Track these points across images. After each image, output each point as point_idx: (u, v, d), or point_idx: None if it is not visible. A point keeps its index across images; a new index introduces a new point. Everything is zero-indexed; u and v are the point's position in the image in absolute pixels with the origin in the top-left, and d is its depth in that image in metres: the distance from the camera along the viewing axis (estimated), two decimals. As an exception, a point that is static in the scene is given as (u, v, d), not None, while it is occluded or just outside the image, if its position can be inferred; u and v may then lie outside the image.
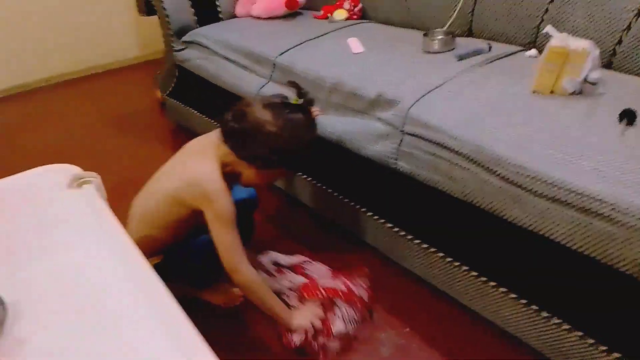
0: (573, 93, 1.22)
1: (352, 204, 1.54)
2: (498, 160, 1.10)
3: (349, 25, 1.97)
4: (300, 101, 1.23)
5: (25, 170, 1.04)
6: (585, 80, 1.21)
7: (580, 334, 1.08)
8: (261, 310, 1.24)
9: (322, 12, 2.11)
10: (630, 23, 1.35)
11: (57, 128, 2.63)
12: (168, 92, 2.41)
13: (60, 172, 1.00)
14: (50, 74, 3.26)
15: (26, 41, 3.10)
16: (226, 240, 1.18)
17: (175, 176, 1.25)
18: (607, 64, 1.43)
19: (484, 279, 1.23)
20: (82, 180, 0.97)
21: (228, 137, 1.20)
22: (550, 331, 1.13)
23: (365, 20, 2.08)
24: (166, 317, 0.65)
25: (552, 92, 1.24)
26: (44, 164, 1.05)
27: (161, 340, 0.62)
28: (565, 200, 0.99)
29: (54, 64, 3.25)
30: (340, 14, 2.03)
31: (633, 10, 1.34)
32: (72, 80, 3.30)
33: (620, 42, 1.38)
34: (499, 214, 1.13)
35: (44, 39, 3.15)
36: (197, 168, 1.21)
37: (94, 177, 0.98)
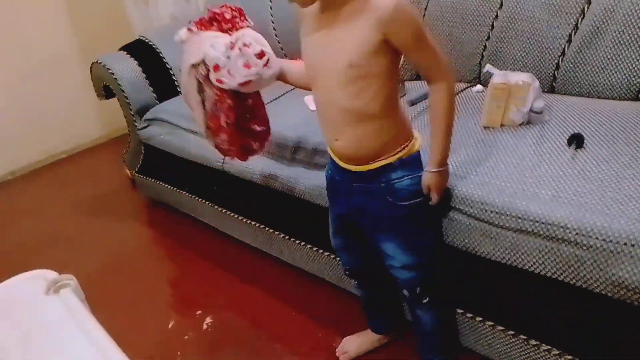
0: (521, 124, 1.29)
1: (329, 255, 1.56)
2: (463, 198, 1.14)
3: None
4: None
5: (2, 274, 1.04)
6: (530, 110, 1.27)
7: (570, 357, 1.10)
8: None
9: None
10: (564, 49, 1.44)
11: (31, 221, 2.59)
12: (136, 169, 2.42)
13: (37, 279, 0.99)
14: (15, 166, 3.24)
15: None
16: None
17: None
18: (550, 89, 1.51)
19: (470, 315, 1.25)
20: (58, 284, 0.97)
21: None
22: (543, 358, 1.15)
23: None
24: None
25: (502, 125, 1.30)
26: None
27: None
28: (532, 230, 1.03)
29: (19, 156, 3.23)
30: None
31: (564, 38, 1.43)
32: (38, 169, 3.28)
33: (558, 67, 1.47)
34: (473, 251, 1.15)
35: (4, 132, 3.14)
36: None
37: (70, 280, 0.98)
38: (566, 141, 1.17)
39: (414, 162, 1.08)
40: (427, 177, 1.06)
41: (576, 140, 1.14)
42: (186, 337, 1.61)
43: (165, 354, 1.56)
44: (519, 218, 1.04)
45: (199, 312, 1.70)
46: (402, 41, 0.93)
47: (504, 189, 1.10)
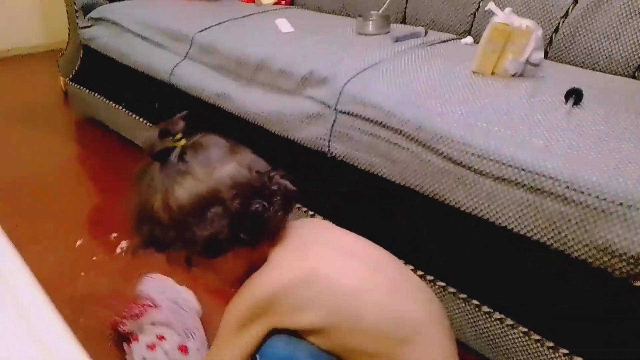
0: (514, 75, 1.16)
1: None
2: (441, 137, 1.00)
3: (277, 9, 1.85)
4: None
5: None
6: (527, 61, 1.14)
7: (525, 329, 0.98)
8: None
9: (249, -4, 1.97)
10: (568, 10, 1.32)
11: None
12: (71, 76, 2.14)
13: None
14: None
15: None
16: None
17: None
18: (544, 54, 1.40)
19: (421, 273, 1.12)
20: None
21: None
22: (492, 328, 1.03)
23: (295, 7, 1.95)
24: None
25: (493, 73, 1.17)
26: None
27: None
28: (515, 180, 0.90)
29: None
30: (268, -1, 1.90)
31: (570, -2, 1.32)
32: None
33: (557, 30, 1.35)
34: (441, 199, 1.02)
35: None
36: None
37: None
38: (563, 96, 1.05)
39: None
40: None
41: (575, 95, 1.02)
42: (94, 258, 1.40)
43: (66, 271, 1.35)
44: (504, 164, 0.91)
45: (114, 234, 1.49)
46: None
47: (491, 132, 0.96)
